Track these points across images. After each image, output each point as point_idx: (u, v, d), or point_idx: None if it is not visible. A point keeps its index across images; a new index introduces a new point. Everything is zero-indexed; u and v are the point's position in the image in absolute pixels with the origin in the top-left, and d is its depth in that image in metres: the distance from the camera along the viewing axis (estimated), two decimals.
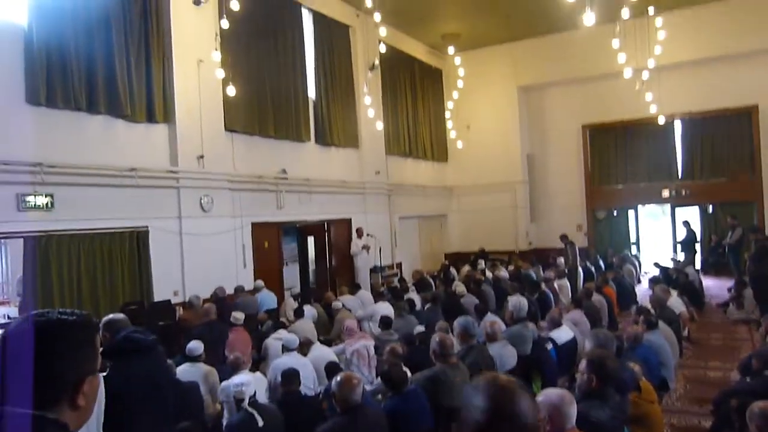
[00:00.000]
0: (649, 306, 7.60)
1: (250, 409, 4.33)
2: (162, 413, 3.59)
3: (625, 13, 11.59)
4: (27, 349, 1.31)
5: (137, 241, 8.78)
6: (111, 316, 4.07)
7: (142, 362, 3.49)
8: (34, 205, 7.51)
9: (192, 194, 9.67)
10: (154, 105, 9.19)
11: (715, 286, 13.60)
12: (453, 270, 14.13)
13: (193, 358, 5.54)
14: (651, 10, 13.34)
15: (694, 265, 13.87)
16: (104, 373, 1.35)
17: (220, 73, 9.90)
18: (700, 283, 12.25)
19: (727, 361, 7.74)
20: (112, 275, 8.40)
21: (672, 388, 6.43)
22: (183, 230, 9.48)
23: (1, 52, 7.43)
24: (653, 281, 10.16)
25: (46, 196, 7.61)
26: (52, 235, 7.65)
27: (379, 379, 5.71)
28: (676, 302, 8.66)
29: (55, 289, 7.60)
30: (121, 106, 8.60)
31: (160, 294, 8.98)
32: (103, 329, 3.84)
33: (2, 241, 9.84)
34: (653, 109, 14.70)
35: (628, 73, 13.22)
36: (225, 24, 9.84)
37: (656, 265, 13.50)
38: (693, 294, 10.89)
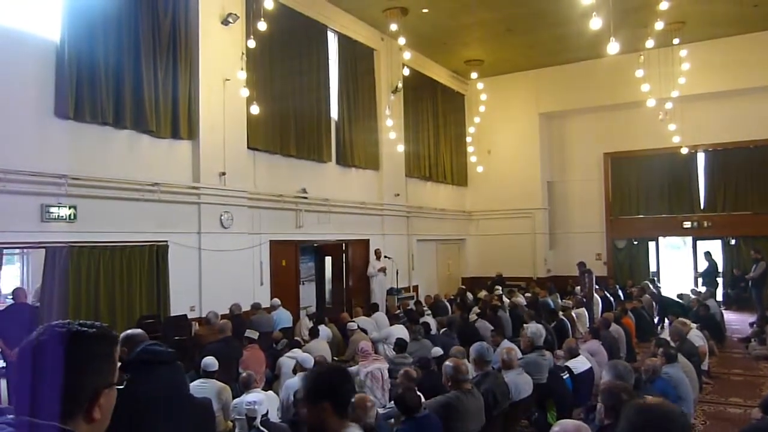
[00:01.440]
0: (668, 338, 7.47)
1: (261, 428, 4.32)
2: (179, 426, 3.58)
3: (650, 43, 11.60)
4: (44, 360, 1.31)
5: (156, 255, 8.85)
6: (129, 331, 4.10)
7: (160, 375, 3.50)
8: (58, 216, 7.61)
9: (212, 210, 9.76)
10: (179, 121, 9.33)
11: (737, 320, 13.35)
12: (470, 295, 14.04)
13: (208, 374, 5.54)
14: (676, 41, 13.34)
15: (715, 298, 13.63)
16: (121, 386, 1.34)
17: (245, 92, 10.04)
18: (722, 316, 12.03)
19: (748, 398, 7.56)
20: (130, 288, 8.46)
21: (690, 423, 6.29)
22: (202, 246, 9.54)
23: (34, 66, 7.61)
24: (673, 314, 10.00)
25: (69, 208, 7.72)
26: (74, 247, 7.74)
27: (392, 402, 5.66)
28: (696, 335, 8.51)
29: (73, 301, 7.67)
30: (146, 121, 8.74)
31: (176, 308, 9.02)
32: (121, 344, 3.86)
33: (25, 251, 9.97)
34: (676, 140, 14.62)
35: (651, 102, 13.21)
36: (252, 44, 10.01)
37: (680, 296, 13.27)
38: (714, 327, 10.69)
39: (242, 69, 10.06)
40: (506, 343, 7.26)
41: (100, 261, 8.05)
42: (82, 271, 7.82)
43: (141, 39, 8.75)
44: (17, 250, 9.79)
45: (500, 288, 14.85)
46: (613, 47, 9.43)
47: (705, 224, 16.35)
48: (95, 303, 7.95)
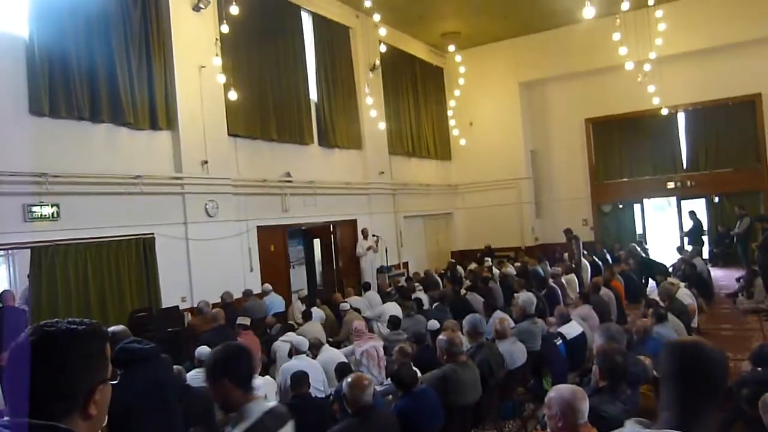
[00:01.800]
0: (657, 298, 7.57)
1: None
2: (167, 420, 3.59)
3: (625, 5, 11.55)
4: (36, 360, 1.30)
5: (144, 248, 8.80)
6: (111, 328, 4.10)
7: (141, 371, 3.50)
8: (41, 215, 7.53)
9: (197, 200, 9.69)
10: (156, 112, 9.21)
11: (724, 277, 13.54)
12: (460, 268, 14.12)
13: (202, 363, 5.54)
14: (651, 1, 13.31)
15: (701, 256, 13.81)
16: (114, 382, 1.34)
17: (222, 78, 9.92)
18: (709, 273, 12.20)
19: (738, 352, 7.68)
20: (120, 283, 8.42)
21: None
22: (189, 236, 9.49)
23: (4, 64, 7.45)
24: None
25: (51, 206, 7.63)
26: (59, 245, 7.67)
27: (389, 379, 5.71)
28: (684, 294, 8.63)
29: (62, 299, 7.62)
30: (123, 114, 8.62)
31: (168, 300, 9.00)
32: None
33: (9, 252, 9.86)
34: (656, 101, 14.68)
35: (629, 65, 13.21)
36: (225, 29, 9.86)
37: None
38: (702, 285, 10.84)
39: (217, 55, 9.93)
40: (498, 314, 7.33)
41: (87, 258, 7.99)
42: (70, 269, 7.76)
43: (112, 30, 8.59)
44: (1, 252, 9.67)
45: (490, 259, 14.95)
46: (588, 11, 9.41)
47: (688, 183, 16.51)
48: (86, 300, 7.91)
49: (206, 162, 9.83)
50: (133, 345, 3.57)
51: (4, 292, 7.64)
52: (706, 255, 15.31)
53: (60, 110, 7.85)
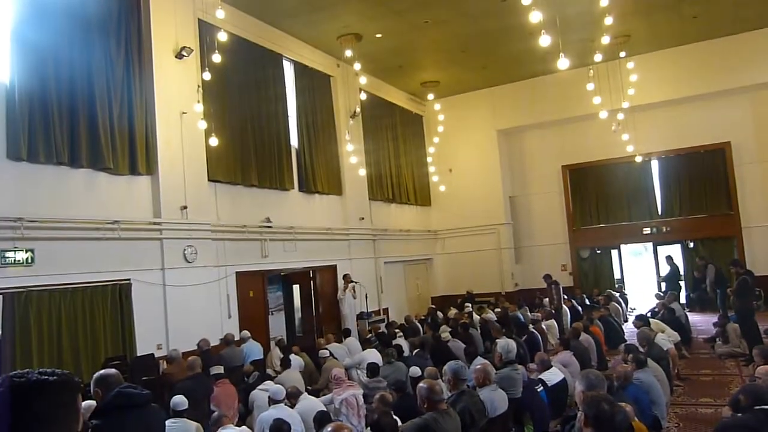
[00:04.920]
0: (636, 344, 7.59)
1: None
2: None
3: (598, 57, 11.95)
4: (5, 411, 1.27)
5: (119, 294, 8.64)
6: (103, 371, 4.01)
7: (135, 417, 3.41)
8: (14, 260, 7.39)
9: (175, 245, 9.60)
10: (136, 157, 9.18)
11: (701, 321, 13.64)
12: (440, 314, 14.06)
13: (177, 414, 5.41)
14: (623, 54, 13.78)
15: (678, 301, 13.91)
16: None
17: (203, 125, 9.98)
18: (686, 318, 12.28)
19: (718, 397, 7.72)
20: (94, 330, 8.23)
21: (664, 427, 6.37)
22: (166, 282, 9.36)
23: None
24: (639, 319, 10.15)
25: (26, 252, 7.51)
26: (32, 291, 7.51)
27: (368, 429, 5.60)
28: (662, 339, 8.66)
29: (34, 347, 7.41)
30: (103, 159, 8.59)
31: (143, 348, 8.80)
32: (95, 385, 3.80)
33: None
34: (630, 149, 15.06)
35: (603, 114, 13.60)
36: (207, 76, 9.98)
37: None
38: (680, 330, 10.90)
39: (198, 101, 10.01)
40: (479, 360, 7.27)
41: (61, 304, 7.82)
42: (43, 315, 7.58)
43: (94, 75, 8.64)
44: None
45: (470, 305, 14.93)
46: (562, 63, 9.69)
47: (664, 229, 16.80)
48: (58, 348, 7.71)
49: (185, 207, 9.78)
50: (130, 390, 3.49)
51: None
52: (683, 299, 15.45)
53: (39, 155, 7.79)
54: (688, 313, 13.31)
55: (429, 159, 18.14)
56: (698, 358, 10.50)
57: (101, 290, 8.40)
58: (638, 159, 15.90)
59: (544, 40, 8.78)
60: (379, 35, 12.92)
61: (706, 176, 16.44)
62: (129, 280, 8.80)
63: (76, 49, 8.44)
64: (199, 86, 10.17)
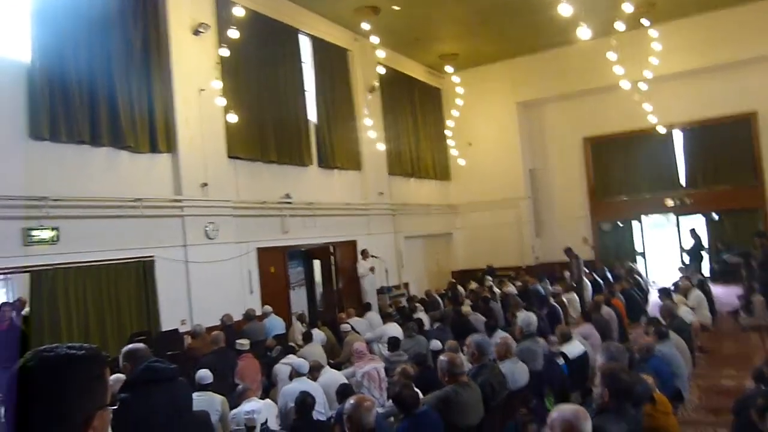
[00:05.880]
0: (659, 316, 7.54)
1: None
2: None
3: (620, 26, 11.67)
4: (35, 386, 1.30)
5: (143, 271, 8.79)
6: (131, 346, 4.09)
7: (163, 391, 3.48)
8: (40, 239, 7.53)
9: (197, 222, 9.70)
10: (156, 135, 9.26)
11: (724, 294, 13.48)
12: (460, 288, 14.08)
13: (203, 387, 5.51)
14: (645, 22, 13.44)
15: (701, 273, 13.74)
16: (114, 407, 1.33)
17: (221, 101, 9.99)
18: (710, 291, 12.14)
19: (741, 369, 7.65)
20: (119, 306, 8.40)
21: (686, 399, 6.36)
22: (189, 258, 9.48)
23: (5, 89, 7.51)
24: (663, 292, 10.06)
25: (51, 230, 7.64)
26: (58, 269, 7.66)
27: (390, 401, 5.66)
28: (686, 312, 8.59)
29: (63, 323, 7.60)
30: (124, 137, 8.67)
31: (167, 323, 8.97)
32: (123, 359, 3.88)
33: (8, 276, 9.84)
34: (653, 120, 14.78)
35: (625, 85, 13.31)
36: (225, 52, 9.96)
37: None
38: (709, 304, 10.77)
39: (217, 78, 10.01)
40: (500, 333, 7.28)
41: (87, 281, 7.98)
42: (70, 292, 7.75)
43: (113, 55, 8.68)
44: (0, 277, 9.65)
45: (491, 279, 14.91)
46: (584, 32, 9.50)
47: (687, 201, 16.54)
48: (85, 324, 7.89)
49: (206, 184, 9.85)
50: (158, 364, 3.57)
51: (3, 304, 7.60)
52: (707, 272, 15.26)
53: (60, 135, 7.89)
54: (711, 285, 13.14)
55: (448, 133, 17.98)
56: (721, 331, 10.41)
57: (125, 267, 8.55)
58: (661, 130, 15.60)
59: (565, 10, 8.60)
60: (396, 7, 12.73)
61: (731, 147, 16.04)
62: (152, 257, 8.93)
63: (95, 29, 8.47)
64: (217, 63, 10.17)
